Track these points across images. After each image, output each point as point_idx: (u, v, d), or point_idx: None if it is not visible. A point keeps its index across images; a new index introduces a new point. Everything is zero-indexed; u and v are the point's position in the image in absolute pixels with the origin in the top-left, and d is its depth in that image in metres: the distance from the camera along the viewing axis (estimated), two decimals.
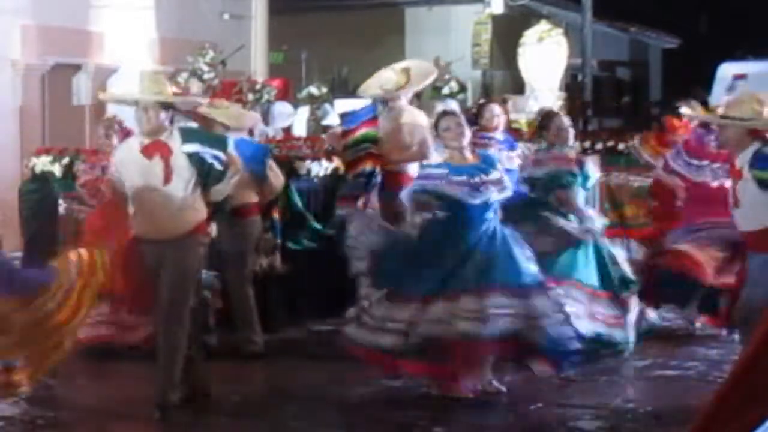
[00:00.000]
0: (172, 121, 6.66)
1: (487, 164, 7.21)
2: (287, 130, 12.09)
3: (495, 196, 7.09)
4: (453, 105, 12.18)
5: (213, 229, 7.03)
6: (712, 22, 31.19)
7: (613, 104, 25.97)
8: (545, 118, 8.70)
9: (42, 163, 9.65)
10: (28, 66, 14.17)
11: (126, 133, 8.19)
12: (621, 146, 11.53)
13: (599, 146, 11.76)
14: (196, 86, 11.66)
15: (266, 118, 11.91)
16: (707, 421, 4.27)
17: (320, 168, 9.72)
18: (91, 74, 14.66)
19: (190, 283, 6.66)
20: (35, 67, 14.24)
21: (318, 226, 9.37)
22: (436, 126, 7.41)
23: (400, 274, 7.08)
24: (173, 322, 6.65)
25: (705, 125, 8.63)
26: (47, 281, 6.20)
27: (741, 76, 19.00)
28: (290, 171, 9.35)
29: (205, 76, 11.71)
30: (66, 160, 9.51)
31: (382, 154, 8.92)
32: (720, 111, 7.14)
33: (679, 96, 10.47)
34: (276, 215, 8.70)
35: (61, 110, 14.30)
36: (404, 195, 7.54)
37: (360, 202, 8.86)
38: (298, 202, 9.23)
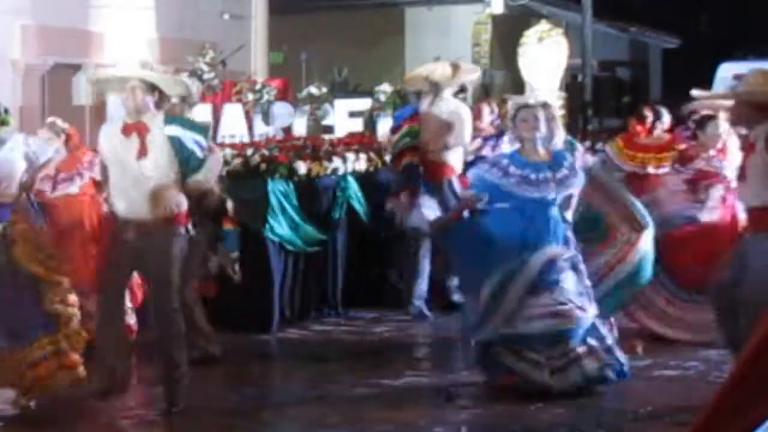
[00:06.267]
0: (158, 107, 6.66)
1: (558, 162, 7.21)
2: (287, 130, 12.05)
3: (553, 195, 7.09)
4: None
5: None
6: (712, 22, 31.18)
7: (613, 104, 25.97)
8: None
9: None
10: (28, 66, 14.17)
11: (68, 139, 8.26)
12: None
13: (599, 146, 11.77)
14: (196, 86, 11.62)
15: (266, 118, 11.87)
16: (707, 420, 4.27)
17: (320, 168, 9.69)
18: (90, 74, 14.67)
19: (175, 267, 6.60)
20: (35, 67, 14.24)
21: (312, 228, 9.37)
22: (513, 118, 7.39)
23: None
24: (166, 310, 6.62)
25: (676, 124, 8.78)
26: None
27: (741, 76, 18.94)
28: (290, 171, 9.34)
29: (205, 76, 11.67)
30: None
31: (420, 146, 9.22)
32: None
33: (679, 96, 10.48)
34: (228, 225, 8.47)
35: (61, 110, 14.27)
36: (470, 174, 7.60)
37: (402, 196, 9.01)
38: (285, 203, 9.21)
